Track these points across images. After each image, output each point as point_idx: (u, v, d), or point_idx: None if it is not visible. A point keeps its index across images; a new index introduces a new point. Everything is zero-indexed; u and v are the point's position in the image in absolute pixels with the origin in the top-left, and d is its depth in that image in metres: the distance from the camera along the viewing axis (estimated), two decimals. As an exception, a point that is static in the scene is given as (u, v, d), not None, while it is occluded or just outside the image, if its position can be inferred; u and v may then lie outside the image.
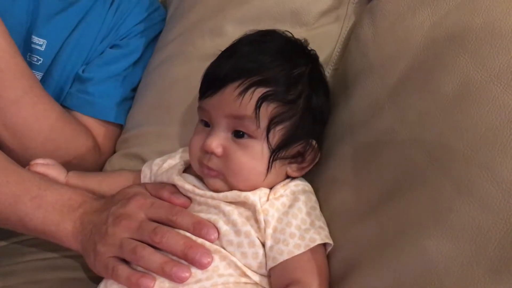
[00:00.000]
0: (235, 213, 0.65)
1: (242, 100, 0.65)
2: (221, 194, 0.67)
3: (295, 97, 0.68)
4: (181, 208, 0.68)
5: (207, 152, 0.68)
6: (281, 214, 0.65)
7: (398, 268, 0.56)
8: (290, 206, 0.66)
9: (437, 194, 0.54)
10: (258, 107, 0.65)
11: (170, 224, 0.66)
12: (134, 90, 0.99)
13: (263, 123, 0.66)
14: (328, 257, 0.66)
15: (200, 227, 0.65)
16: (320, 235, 0.64)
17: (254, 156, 0.67)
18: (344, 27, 0.82)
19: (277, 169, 0.68)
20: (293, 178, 0.71)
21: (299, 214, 0.66)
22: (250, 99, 0.66)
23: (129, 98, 0.99)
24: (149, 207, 0.67)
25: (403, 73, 0.64)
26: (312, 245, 0.63)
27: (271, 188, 0.69)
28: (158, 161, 0.79)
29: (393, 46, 0.68)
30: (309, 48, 0.74)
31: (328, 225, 0.67)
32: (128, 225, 0.66)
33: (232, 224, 0.65)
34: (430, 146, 0.57)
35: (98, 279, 0.69)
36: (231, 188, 0.68)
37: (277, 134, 0.67)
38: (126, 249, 0.64)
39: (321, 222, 0.66)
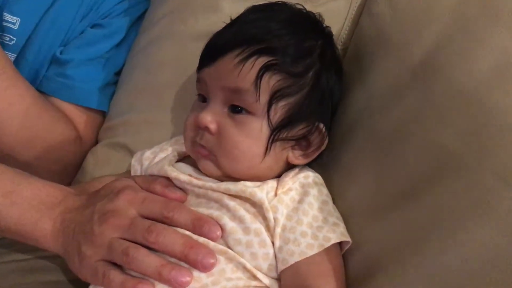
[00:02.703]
0: (241, 208, 0.58)
1: (241, 70, 0.58)
2: (222, 186, 0.59)
3: (302, 70, 0.60)
4: (178, 203, 0.60)
5: (200, 128, 0.60)
6: (290, 211, 0.58)
7: (434, 266, 0.50)
8: (300, 201, 0.59)
9: (477, 184, 0.48)
10: (259, 77, 0.58)
11: (166, 222, 0.58)
12: (118, 74, 0.91)
13: (264, 97, 0.59)
14: (345, 257, 0.59)
15: (201, 224, 0.57)
16: (335, 233, 0.57)
17: (250, 134, 0.59)
18: (354, 2, 0.75)
19: (276, 152, 0.61)
20: (301, 168, 0.64)
21: (310, 210, 0.59)
22: (251, 68, 0.58)
23: (112, 83, 0.91)
24: (141, 202, 0.59)
25: (428, 51, 0.58)
26: (327, 244, 0.56)
27: (277, 181, 0.62)
28: (148, 154, 0.71)
29: (414, 21, 0.61)
30: (324, 25, 0.67)
31: (344, 221, 0.60)
32: (118, 223, 0.57)
33: (239, 220, 0.57)
34: (465, 130, 0.51)
35: (82, 281, 0.61)
36: (223, 172, 0.61)
37: (279, 111, 0.60)
38: (117, 251, 0.56)
39: (334, 218, 0.59)
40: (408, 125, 0.56)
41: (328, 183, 0.63)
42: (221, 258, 0.56)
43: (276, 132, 0.60)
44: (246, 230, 0.57)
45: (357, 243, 0.58)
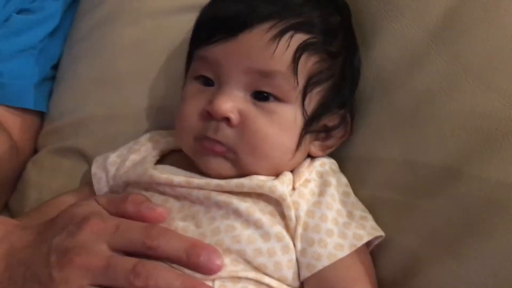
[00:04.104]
0: (256, 210, 0.48)
1: (276, 49, 0.48)
2: (233, 183, 0.49)
3: (336, 50, 0.52)
4: (162, 227, 0.46)
5: (213, 118, 0.49)
6: (311, 206, 0.49)
7: (489, 254, 0.43)
8: (321, 193, 0.51)
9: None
10: (296, 59, 0.48)
11: (150, 254, 0.44)
12: (55, 67, 0.78)
13: (300, 82, 0.49)
14: (375, 254, 0.51)
15: (197, 252, 0.43)
16: (365, 229, 0.49)
17: (283, 126, 0.50)
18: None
19: (304, 146, 0.52)
20: (312, 157, 0.55)
21: (334, 204, 0.50)
22: (287, 48, 0.48)
23: (49, 78, 0.78)
24: (113, 232, 0.45)
25: (448, 7, 0.51)
26: (359, 244, 0.48)
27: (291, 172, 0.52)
28: (114, 158, 0.59)
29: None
30: None
31: (370, 212, 0.52)
32: (86, 264, 0.43)
33: (256, 225, 0.47)
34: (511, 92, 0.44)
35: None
36: (240, 172, 0.50)
37: (313, 98, 0.51)
38: None
39: (360, 211, 0.51)
40: (437, 95, 0.49)
41: (345, 169, 0.54)
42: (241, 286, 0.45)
43: (310, 123, 0.51)
44: (266, 236, 0.47)
45: (389, 238, 0.50)
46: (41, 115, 0.76)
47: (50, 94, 0.76)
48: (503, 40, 0.46)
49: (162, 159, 0.57)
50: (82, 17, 0.75)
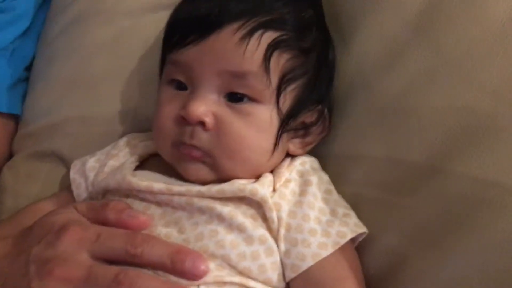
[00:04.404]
0: (238, 213, 0.47)
1: (246, 49, 0.47)
2: (214, 189, 0.48)
3: (309, 46, 0.51)
4: (145, 234, 0.45)
5: (188, 123, 0.48)
6: (293, 206, 0.49)
7: (473, 250, 0.43)
8: (302, 193, 0.50)
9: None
10: (267, 57, 0.47)
11: (133, 261, 0.43)
12: (28, 68, 0.76)
13: (274, 81, 0.48)
14: (359, 252, 0.51)
15: (182, 258, 0.43)
16: (348, 226, 0.49)
17: (260, 127, 0.49)
18: None
19: (282, 145, 0.51)
20: (292, 156, 0.54)
21: (316, 202, 0.49)
22: (257, 46, 0.47)
23: (23, 80, 0.75)
24: (94, 240, 0.44)
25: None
26: (343, 241, 0.48)
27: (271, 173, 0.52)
28: (92, 163, 0.57)
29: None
30: None
31: (353, 209, 0.51)
32: (67, 275, 0.42)
33: (239, 229, 0.47)
34: (496, 86, 0.44)
35: None
36: (219, 176, 0.50)
37: (288, 97, 0.50)
38: None
39: (343, 208, 0.51)
40: (417, 90, 0.49)
41: (327, 167, 0.54)
42: None
43: (286, 122, 0.50)
44: (249, 239, 0.46)
45: (372, 235, 0.50)
46: (15, 118, 0.73)
47: (24, 96, 0.74)
48: (483, 33, 0.46)
49: (142, 164, 0.56)
50: (55, 16, 0.73)
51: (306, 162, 0.53)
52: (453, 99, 0.46)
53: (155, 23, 0.62)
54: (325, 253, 0.47)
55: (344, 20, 0.56)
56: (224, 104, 0.49)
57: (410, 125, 0.48)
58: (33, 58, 0.75)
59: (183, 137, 0.49)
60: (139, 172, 0.53)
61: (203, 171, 0.50)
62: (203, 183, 0.49)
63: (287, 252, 0.47)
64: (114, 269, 0.42)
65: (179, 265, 0.43)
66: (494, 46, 0.45)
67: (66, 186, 0.60)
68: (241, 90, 0.48)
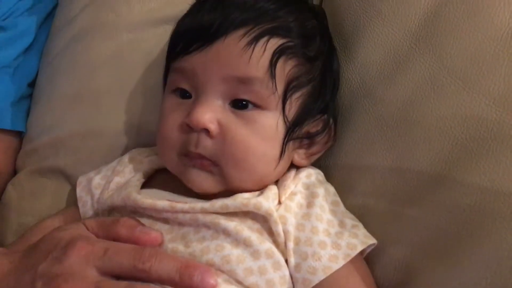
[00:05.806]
0: (244, 228, 0.46)
1: (251, 55, 0.46)
2: (217, 204, 0.47)
3: (314, 54, 0.51)
4: (154, 249, 0.45)
5: (193, 130, 0.48)
6: (300, 219, 0.48)
7: (480, 262, 0.42)
8: (309, 205, 0.49)
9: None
10: (273, 63, 0.47)
11: (141, 277, 0.43)
12: (32, 85, 0.76)
13: (279, 87, 0.48)
14: (368, 263, 0.50)
15: (190, 272, 0.42)
16: (358, 238, 0.48)
17: (265, 135, 0.48)
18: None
19: (287, 155, 0.51)
20: (297, 168, 0.54)
21: (324, 214, 0.49)
22: (263, 52, 0.47)
23: (26, 96, 0.75)
24: (102, 256, 0.43)
25: (432, 8, 0.50)
26: (353, 253, 0.47)
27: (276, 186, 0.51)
28: (98, 180, 0.57)
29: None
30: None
31: (359, 221, 0.51)
32: None
33: (245, 244, 0.46)
34: (498, 94, 0.44)
35: None
36: (226, 187, 0.49)
37: (294, 104, 0.50)
38: None
39: (350, 220, 0.50)
40: (422, 99, 0.48)
41: (332, 178, 0.53)
42: None
43: (292, 130, 0.49)
44: (256, 254, 0.46)
45: (381, 247, 0.49)
46: (19, 135, 0.74)
47: (27, 112, 0.74)
48: (487, 41, 0.46)
49: (149, 181, 0.55)
50: (57, 32, 0.73)
51: (311, 175, 0.52)
52: (458, 108, 0.46)
53: (157, 37, 0.63)
54: (336, 266, 0.46)
55: (347, 30, 0.56)
56: (229, 110, 0.48)
57: (416, 135, 0.48)
58: (37, 74, 0.75)
59: (188, 146, 0.49)
60: (144, 191, 0.53)
61: (209, 181, 0.49)
62: (209, 195, 0.49)
63: (297, 266, 0.46)
64: (122, 284, 0.42)
65: (188, 279, 0.42)
66: (498, 54, 0.45)
67: (72, 203, 0.60)
68: (246, 96, 0.48)
